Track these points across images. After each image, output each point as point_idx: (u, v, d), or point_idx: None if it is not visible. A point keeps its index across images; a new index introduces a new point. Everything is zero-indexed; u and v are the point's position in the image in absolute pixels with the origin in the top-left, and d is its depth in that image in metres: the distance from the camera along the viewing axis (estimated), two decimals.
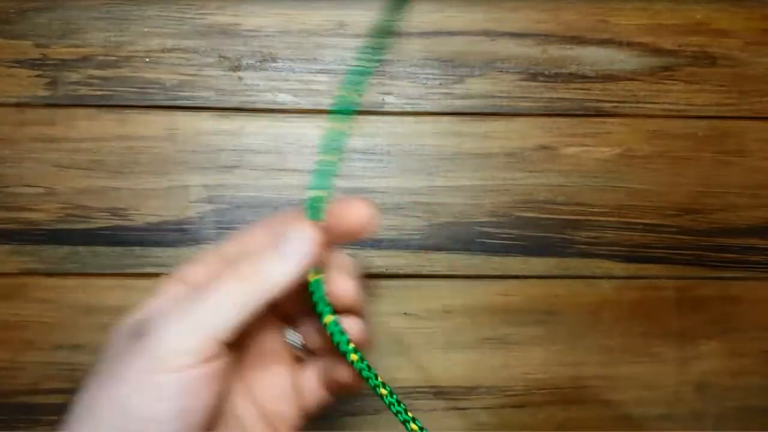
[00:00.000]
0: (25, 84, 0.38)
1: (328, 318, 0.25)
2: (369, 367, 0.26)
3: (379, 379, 0.26)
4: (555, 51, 0.40)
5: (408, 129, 0.39)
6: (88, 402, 0.24)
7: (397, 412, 0.25)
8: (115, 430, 0.23)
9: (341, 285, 0.26)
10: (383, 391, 0.26)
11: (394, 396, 0.26)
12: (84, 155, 0.38)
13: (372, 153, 0.39)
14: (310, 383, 0.28)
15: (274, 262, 0.24)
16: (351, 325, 0.26)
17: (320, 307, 0.26)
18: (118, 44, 0.39)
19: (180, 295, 0.25)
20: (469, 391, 0.39)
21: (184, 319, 0.23)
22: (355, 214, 0.27)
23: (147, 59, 0.39)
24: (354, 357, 0.25)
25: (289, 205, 0.38)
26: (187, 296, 0.25)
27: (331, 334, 0.25)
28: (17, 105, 0.38)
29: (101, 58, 0.39)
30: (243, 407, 0.26)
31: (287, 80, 0.39)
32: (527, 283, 0.39)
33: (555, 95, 0.40)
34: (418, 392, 0.38)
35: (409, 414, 0.25)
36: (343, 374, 0.27)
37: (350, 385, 0.27)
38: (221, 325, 0.23)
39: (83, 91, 0.38)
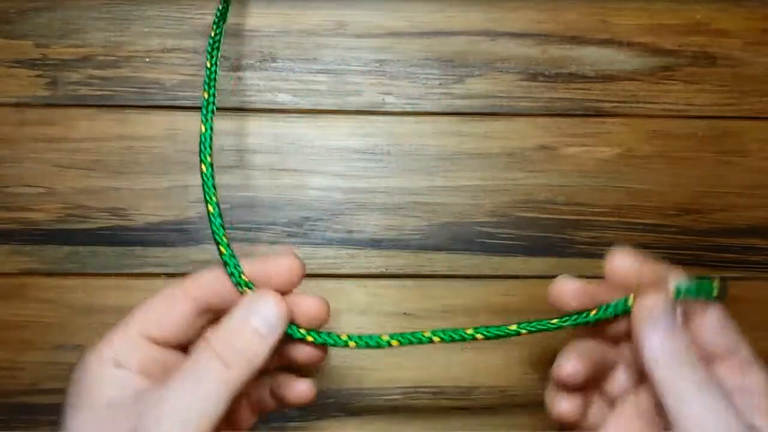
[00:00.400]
0: (25, 84, 0.38)
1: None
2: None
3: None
4: (555, 51, 0.40)
5: (408, 129, 0.39)
6: None
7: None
8: None
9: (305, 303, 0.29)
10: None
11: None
12: (84, 155, 0.38)
13: (372, 153, 0.39)
14: (261, 392, 0.30)
15: (254, 342, 0.26)
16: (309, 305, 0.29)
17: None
18: (118, 44, 0.39)
19: (162, 383, 0.26)
20: (469, 391, 0.38)
21: (178, 414, 0.25)
22: (283, 271, 0.29)
23: (147, 59, 0.39)
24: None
25: (289, 205, 0.38)
26: (168, 387, 0.26)
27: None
28: (17, 105, 0.38)
29: (101, 58, 0.39)
30: None
31: (287, 80, 0.39)
32: (527, 283, 0.39)
33: (555, 95, 0.40)
34: (418, 392, 0.38)
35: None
36: (294, 391, 0.30)
37: (301, 401, 0.30)
38: (214, 413, 0.25)
39: (83, 91, 0.38)
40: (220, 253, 0.28)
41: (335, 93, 0.39)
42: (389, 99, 0.39)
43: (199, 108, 0.38)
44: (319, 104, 0.39)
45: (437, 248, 0.39)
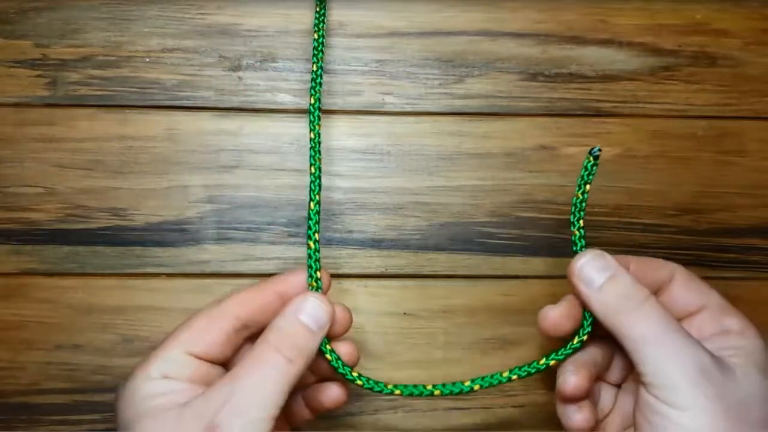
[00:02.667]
0: (25, 84, 0.38)
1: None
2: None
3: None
4: (555, 51, 0.40)
5: (408, 129, 0.39)
6: None
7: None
8: None
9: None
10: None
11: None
12: (84, 155, 0.38)
13: (372, 153, 0.39)
14: (297, 405, 0.33)
15: (308, 338, 0.29)
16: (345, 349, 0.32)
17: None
18: (118, 44, 0.39)
19: (227, 381, 0.28)
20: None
21: (250, 407, 0.27)
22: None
23: (147, 59, 0.39)
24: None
25: (289, 205, 0.38)
26: (236, 383, 0.27)
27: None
28: (17, 105, 0.38)
29: (101, 58, 0.39)
30: None
31: (287, 80, 0.39)
32: (527, 283, 0.39)
33: (555, 95, 0.40)
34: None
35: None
36: (328, 396, 0.32)
37: (336, 404, 0.32)
38: (280, 405, 0.27)
39: (83, 91, 0.38)
40: (308, 247, 0.31)
41: (335, 93, 0.39)
42: (389, 99, 0.39)
43: (199, 108, 0.39)
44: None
45: (437, 248, 0.39)
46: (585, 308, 0.31)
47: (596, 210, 0.39)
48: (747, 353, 0.29)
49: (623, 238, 0.39)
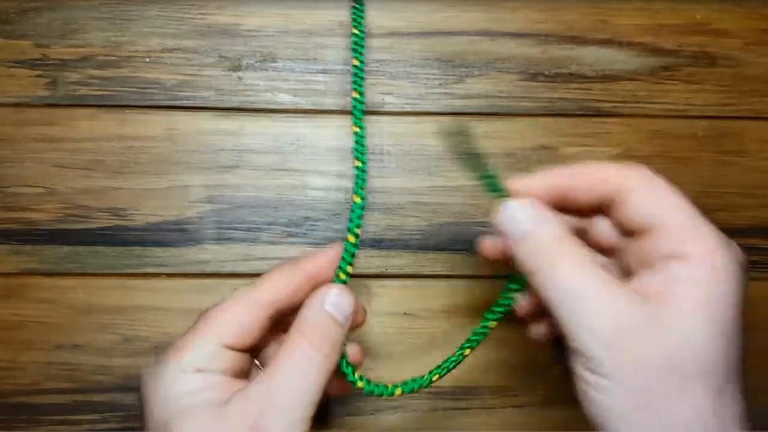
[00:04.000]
0: (25, 84, 0.38)
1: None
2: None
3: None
4: (555, 51, 0.40)
5: (408, 129, 0.39)
6: None
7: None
8: None
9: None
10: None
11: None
12: (84, 155, 0.38)
13: (372, 153, 0.39)
14: None
15: (336, 329, 0.28)
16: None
17: None
18: (118, 44, 0.39)
19: (265, 379, 0.27)
20: (469, 391, 0.38)
21: (291, 405, 0.26)
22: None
23: (147, 59, 0.39)
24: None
25: (289, 205, 0.38)
26: (276, 382, 0.27)
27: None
28: (17, 105, 0.38)
29: (101, 58, 0.39)
30: None
31: (287, 80, 0.39)
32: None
33: (555, 95, 0.40)
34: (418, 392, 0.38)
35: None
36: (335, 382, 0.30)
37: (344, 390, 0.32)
38: (317, 399, 0.27)
39: (83, 91, 0.38)
40: (347, 240, 0.31)
41: (335, 93, 0.39)
42: (389, 99, 0.39)
43: (199, 108, 0.39)
44: (319, 104, 0.39)
45: (437, 248, 0.39)
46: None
47: None
48: (690, 287, 0.25)
49: None
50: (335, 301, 0.29)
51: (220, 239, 0.38)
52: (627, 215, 0.28)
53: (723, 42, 0.40)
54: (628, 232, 0.28)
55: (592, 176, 0.29)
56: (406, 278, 0.39)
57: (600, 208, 0.29)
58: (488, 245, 0.31)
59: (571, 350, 0.26)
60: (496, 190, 0.29)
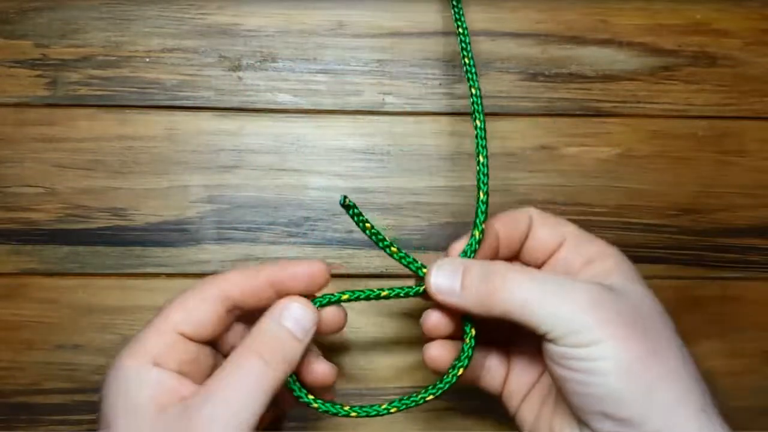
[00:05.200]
0: (25, 84, 0.38)
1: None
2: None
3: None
4: (555, 51, 0.40)
5: (408, 129, 0.39)
6: None
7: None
8: None
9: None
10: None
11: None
12: (84, 155, 0.38)
13: (372, 153, 0.39)
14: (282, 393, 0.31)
15: (292, 344, 0.28)
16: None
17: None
18: (118, 44, 0.39)
19: (204, 391, 0.27)
20: (469, 391, 0.38)
21: (227, 415, 0.26)
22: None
23: (147, 59, 0.39)
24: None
25: (289, 205, 0.38)
26: (214, 393, 0.26)
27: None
28: (17, 105, 0.38)
29: (101, 58, 0.39)
30: None
31: (287, 80, 0.39)
32: None
33: (555, 95, 0.40)
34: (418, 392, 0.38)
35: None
36: (314, 375, 0.31)
37: (322, 384, 0.31)
38: (258, 412, 0.26)
39: (83, 91, 0.38)
40: (472, 236, 0.31)
41: (335, 93, 0.39)
42: (389, 99, 0.39)
43: (199, 108, 0.39)
44: (319, 104, 0.39)
45: (437, 248, 0.39)
46: (463, 317, 0.31)
47: (596, 210, 0.39)
48: (617, 272, 0.30)
49: (623, 239, 0.39)
50: (297, 315, 0.29)
51: (220, 239, 0.38)
52: (535, 243, 0.32)
53: (723, 42, 0.40)
54: (538, 264, 0.32)
55: (507, 221, 0.32)
56: (406, 278, 0.39)
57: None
58: (432, 320, 0.31)
59: (553, 340, 0.27)
60: (405, 259, 0.32)
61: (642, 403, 0.26)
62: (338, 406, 0.30)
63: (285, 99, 0.39)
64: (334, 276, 0.37)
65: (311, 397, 0.30)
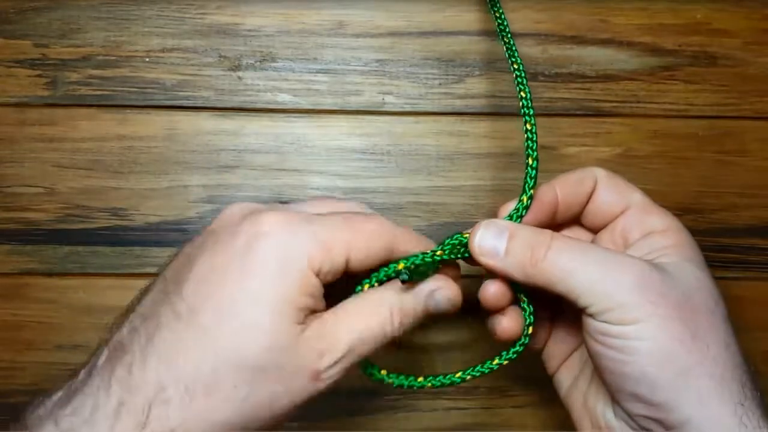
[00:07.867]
0: (25, 84, 0.38)
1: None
2: None
3: None
4: (555, 51, 0.40)
5: (408, 129, 0.39)
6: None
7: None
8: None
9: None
10: None
11: None
12: (84, 155, 0.38)
13: (372, 153, 0.39)
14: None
15: (420, 317, 0.29)
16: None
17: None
18: (118, 44, 0.39)
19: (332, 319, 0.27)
20: (469, 391, 0.38)
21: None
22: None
23: (147, 59, 0.39)
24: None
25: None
26: (344, 324, 0.27)
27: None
28: (17, 105, 0.38)
29: (101, 58, 0.39)
30: None
31: (287, 80, 0.39)
32: None
33: (555, 95, 0.40)
34: (417, 392, 0.38)
35: None
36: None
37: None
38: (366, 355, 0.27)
39: (83, 91, 0.38)
40: (520, 200, 0.31)
41: (335, 93, 0.39)
42: (389, 99, 0.39)
43: (199, 108, 0.39)
44: (319, 104, 0.39)
45: None
46: (518, 292, 0.30)
47: None
48: (674, 250, 0.29)
49: None
50: (441, 295, 0.29)
51: None
52: (596, 206, 0.31)
53: (723, 42, 0.40)
54: (598, 229, 0.32)
55: (569, 182, 0.31)
56: None
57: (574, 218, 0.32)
58: (489, 290, 0.31)
59: (593, 315, 0.27)
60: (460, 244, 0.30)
61: (675, 388, 0.26)
62: (411, 378, 0.30)
63: (285, 99, 0.39)
64: None
65: (384, 372, 0.29)
